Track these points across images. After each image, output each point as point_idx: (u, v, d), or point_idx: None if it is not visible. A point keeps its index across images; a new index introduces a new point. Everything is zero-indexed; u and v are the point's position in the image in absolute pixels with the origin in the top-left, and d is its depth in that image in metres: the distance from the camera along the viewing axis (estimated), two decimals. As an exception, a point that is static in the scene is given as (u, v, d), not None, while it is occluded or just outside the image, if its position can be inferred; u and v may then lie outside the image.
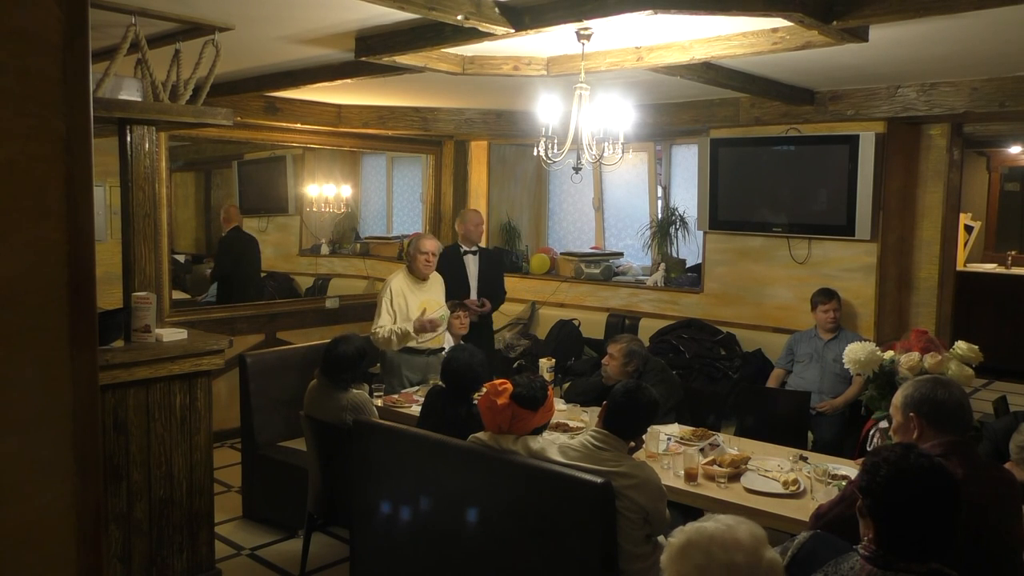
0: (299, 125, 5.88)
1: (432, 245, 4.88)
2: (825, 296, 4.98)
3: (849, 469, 3.22)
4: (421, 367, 4.87)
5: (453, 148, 7.27)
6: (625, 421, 2.86)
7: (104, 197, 5.03)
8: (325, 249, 8.33)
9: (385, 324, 4.70)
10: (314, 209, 8.13)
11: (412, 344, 4.81)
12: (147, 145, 3.45)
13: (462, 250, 5.56)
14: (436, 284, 5.02)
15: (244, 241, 7.09)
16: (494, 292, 5.61)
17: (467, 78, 4.25)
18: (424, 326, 4.63)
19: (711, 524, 1.70)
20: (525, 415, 2.91)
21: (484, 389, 3.06)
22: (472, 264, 5.57)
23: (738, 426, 4.56)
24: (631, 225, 7.35)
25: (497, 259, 6.06)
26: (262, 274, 7.51)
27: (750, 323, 5.76)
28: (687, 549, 1.66)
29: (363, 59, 3.75)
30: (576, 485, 2.71)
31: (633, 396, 2.89)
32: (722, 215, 5.82)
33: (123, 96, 3.39)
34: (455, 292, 5.19)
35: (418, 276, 4.87)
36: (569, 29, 3.21)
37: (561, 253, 7.14)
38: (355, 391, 3.79)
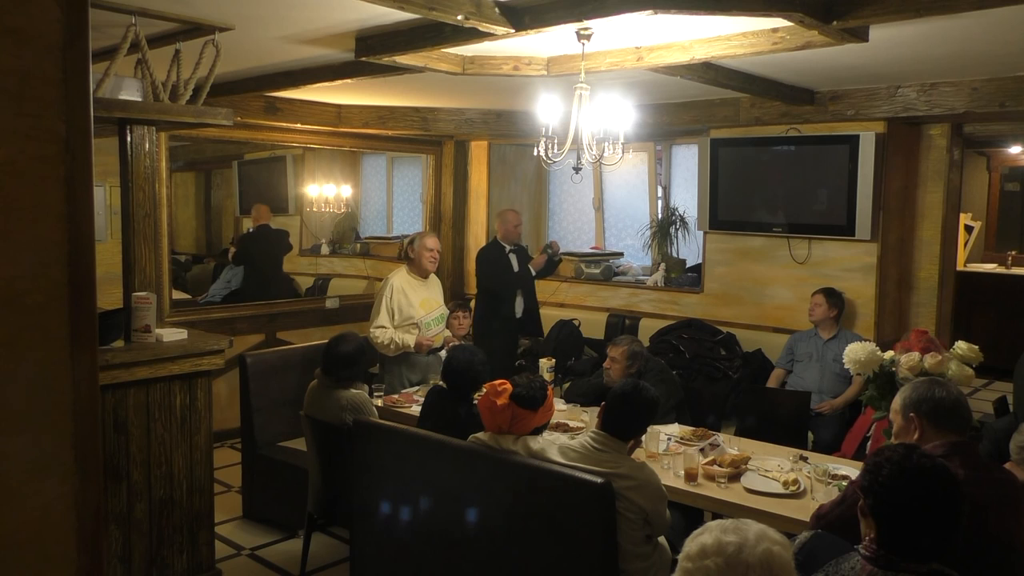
0: (299, 125, 5.88)
1: (436, 242, 5.02)
2: (818, 291, 5.00)
3: (849, 469, 3.22)
4: (421, 367, 4.88)
5: (453, 148, 7.26)
6: (624, 421, 2.86)
7: (104, 197, 5.03)
8: (325, 249, 8.33)
9: (386, 327, 4.72)
10: (314, 209, 8.13)
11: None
12: (147, 145, 3.45)
13: (506, 249, 5.79)
14: (435, 283, 5.10)
15: (271, 237, 7.13)
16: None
17: (467, 78, 4.25)
18: (423, 346, 4.75)
19: (724, 535, 1.60)
20: (525, 415, 2.91)
21: (484, 389, 3.06)
22: (515, 261, 5.82)
23: (738, 426, 4.55)
24: (631, 225, 7.35)
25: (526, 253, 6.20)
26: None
27: (750, 323, 5.75)
28: (693, 552, 1.61)
29: (363, 59, 3.75)
30: (576, 485, 2.71)
31: (631, 396, 2.89)
32: (722, 215, 5.82)
33: (123, 96, 3.38)
34: (503, 287, 5.57)
35: (421, 273, 4.92)
36: (569, 29, 3.21)
37: (561, 253, 7.13)
38: (355, 391, 3.79)
